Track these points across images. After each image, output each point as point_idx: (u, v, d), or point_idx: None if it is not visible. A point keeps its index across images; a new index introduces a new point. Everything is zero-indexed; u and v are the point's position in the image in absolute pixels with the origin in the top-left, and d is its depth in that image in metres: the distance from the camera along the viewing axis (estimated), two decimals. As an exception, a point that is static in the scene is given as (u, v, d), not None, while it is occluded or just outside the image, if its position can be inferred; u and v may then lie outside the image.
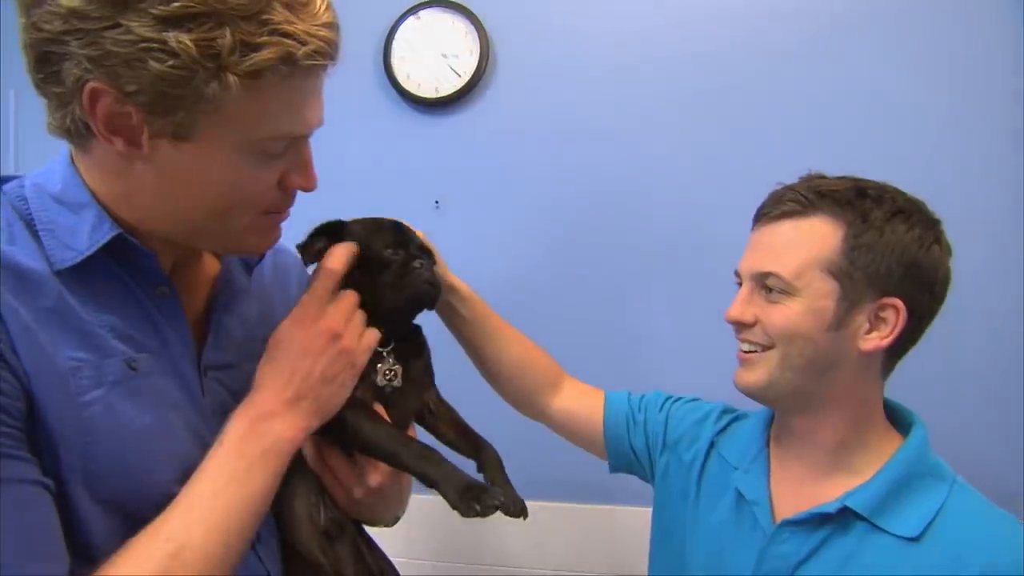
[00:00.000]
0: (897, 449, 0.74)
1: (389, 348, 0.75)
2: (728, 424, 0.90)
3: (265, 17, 0.49)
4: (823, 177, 0.78)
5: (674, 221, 1.31)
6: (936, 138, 1.20)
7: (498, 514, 0.67)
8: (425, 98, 1.36)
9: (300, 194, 0.65)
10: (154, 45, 0.47)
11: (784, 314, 0.72)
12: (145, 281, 0.60)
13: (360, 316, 0.69)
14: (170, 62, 0.48)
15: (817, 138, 1.23)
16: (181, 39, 0.47)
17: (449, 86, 1.35)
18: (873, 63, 1.23)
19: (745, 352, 0.76)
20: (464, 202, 1.37)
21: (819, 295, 0.71)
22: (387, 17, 1.37)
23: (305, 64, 0.52)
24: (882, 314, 0.71)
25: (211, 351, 0.65)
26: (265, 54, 0.49)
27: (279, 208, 0.62)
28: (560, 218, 1.35)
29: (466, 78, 1.34)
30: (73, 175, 0.58)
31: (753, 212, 0.81)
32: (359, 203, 1.48)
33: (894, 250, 0.70)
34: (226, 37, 0.48)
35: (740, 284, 0.80)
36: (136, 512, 0.54)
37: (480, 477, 0.76)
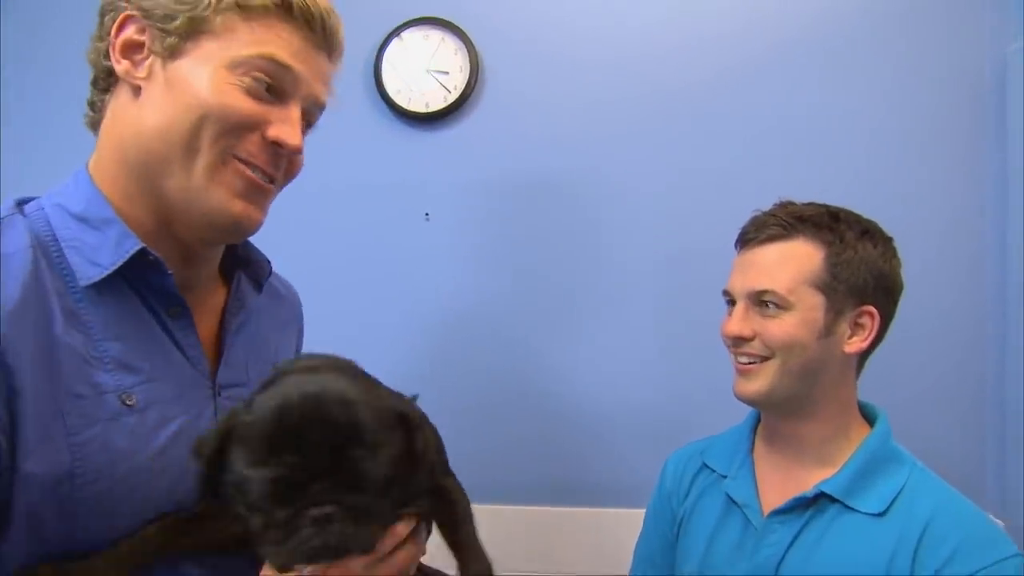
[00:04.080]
0: (863, 439, 0.84)
1: None
2: (705, 447, 0.97)
3: None
4: (793, 203, 0.87)
5: (661, 235, 1.37)
6: (888, 159, 1.33)
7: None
8: (415, 112, 1.40)
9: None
10: None
11: (781, 327, 0.81)
12: (159, 303, 0.62)
13: None
14: None
15: (785, 155, 1.34)
16: None
17: (439, 101, 1.40)
18: (833, 86, 1.35)
19: (744, 364, 0.84)
20: (454, 215, 1.40)
21: (810, 307, 0.80)
22: (378, 33, 1.40)
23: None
24: (860, 320, 0.82)
25: (224, 370, 0.67)
26: None
27: (254, 157, 0.62)
28: (549, 232, 1.39)
29: (456, 94, 1.39)
30: (96, 193, 0.61)
31: (729, 228, 0.89)
32: (351, 215, 1.51)
33: (867, 264, 0.81)
34: None
35: (730, 303, 0.88)
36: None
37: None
